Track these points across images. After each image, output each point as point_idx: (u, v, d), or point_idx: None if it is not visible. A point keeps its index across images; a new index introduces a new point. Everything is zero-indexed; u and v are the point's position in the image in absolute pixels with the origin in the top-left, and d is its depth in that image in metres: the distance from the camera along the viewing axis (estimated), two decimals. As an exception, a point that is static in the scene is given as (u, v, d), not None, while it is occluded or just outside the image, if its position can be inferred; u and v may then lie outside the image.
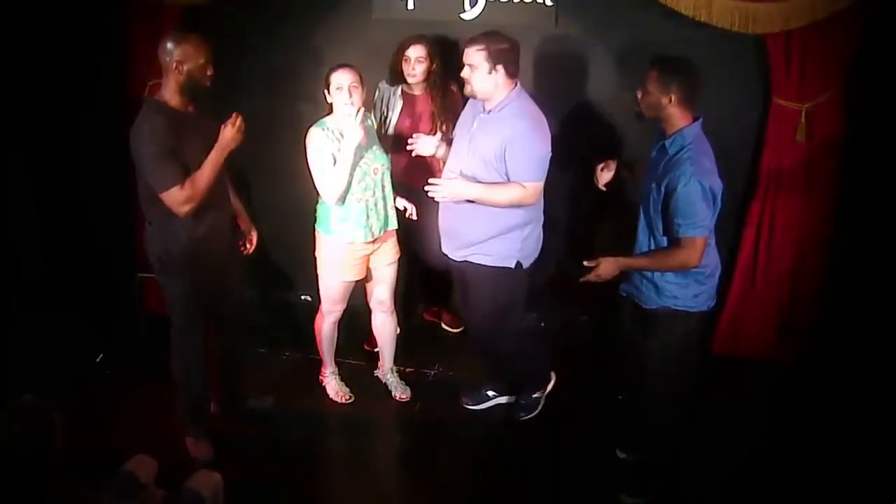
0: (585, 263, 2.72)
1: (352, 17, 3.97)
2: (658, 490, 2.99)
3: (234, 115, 2.84)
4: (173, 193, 2.75)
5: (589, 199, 3.95)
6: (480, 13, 3.82)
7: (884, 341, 3.38)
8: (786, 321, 3.78)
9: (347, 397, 3.61)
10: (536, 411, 3.45)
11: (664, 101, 2.62)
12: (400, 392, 3.64)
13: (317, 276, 3.40)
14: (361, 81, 3.11)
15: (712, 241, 2.71)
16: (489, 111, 2.95)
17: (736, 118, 3.62)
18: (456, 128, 3.19)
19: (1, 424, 1.95)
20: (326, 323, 3.48)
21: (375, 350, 3.85)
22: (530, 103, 2.97)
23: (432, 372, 3.83)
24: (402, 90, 3.66)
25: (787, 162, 3.58)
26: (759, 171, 3.64)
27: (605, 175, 3.07)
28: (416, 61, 3.54)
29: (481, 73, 2.87)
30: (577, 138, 3.97)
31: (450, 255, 3.16)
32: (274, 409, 3.52)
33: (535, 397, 3.46)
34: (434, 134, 3.57)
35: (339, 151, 3.07)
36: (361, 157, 3.15)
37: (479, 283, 3.12)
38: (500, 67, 2.85)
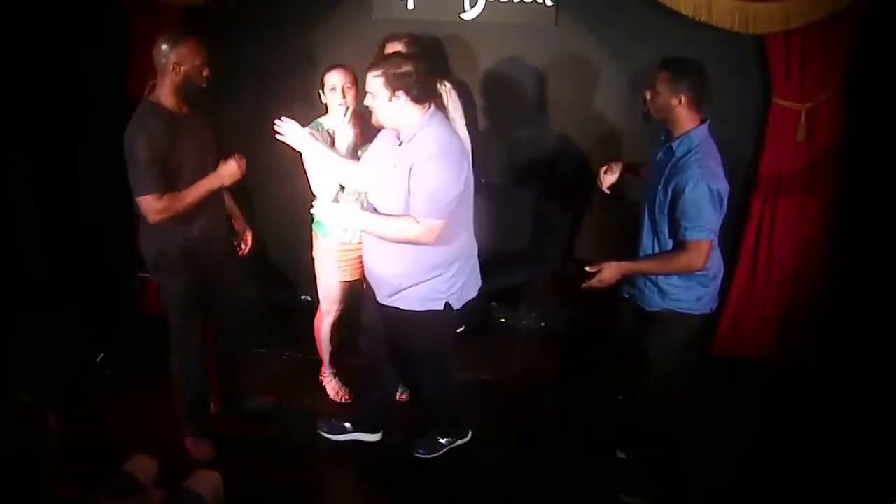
0: (588, 269, 2.70)
1: (351, 17, 3.97)
2: (658, 490, 2.99)
3: (238, 154, 2.87)
4: (148, 200, 2.75)
5: (590, 200, 3.97)
6: (480, 13, 3.82)
7: (884, 342, 3.38)
8: (786, 322, 3.78)
9: (347, 397, 3.61)
10: (435, 455, 3.26)
11: (674, 102, 2.61)
12: (399, 392, 3.64)
13: (315, 276, 3.40)
14: (355, 81, 3.09)
15: (715, 243, 2.71)
16: (401, 142, 2.71)
17: (736, 118, 3.62)
18: (373, 159, 2.89)
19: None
20: (325, 323, 3.48)
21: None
22: (444, 130, 2.71)
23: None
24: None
25: (787, 162, 3.58)
26: (759, 171, 3.64)
27: (608, 178, 3.04)
28: None
29: (381, 101, 2.63)
30: (577, 138, 3.98)
31: (379, 301, 2.91)
32: (274, 408, 3.51)
33: (441, 442, 3.27)
34: None
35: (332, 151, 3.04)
36: (356, 157, 3.14)
37: (407, 328, 2.90)
38: (400, 93, 2.60)
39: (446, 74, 3.76)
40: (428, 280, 2.79)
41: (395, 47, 3.45)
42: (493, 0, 3.79)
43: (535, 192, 4.15)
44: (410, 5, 3.86)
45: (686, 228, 2.58)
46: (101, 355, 3.83)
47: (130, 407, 3.49)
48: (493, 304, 4.30)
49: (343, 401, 3.60)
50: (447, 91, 3.68)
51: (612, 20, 3.72)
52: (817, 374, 3.60)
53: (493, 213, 4.16)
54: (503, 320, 4.24)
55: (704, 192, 2.53)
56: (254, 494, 2.90)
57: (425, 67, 2.65)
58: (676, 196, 2.57)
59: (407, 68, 2.61)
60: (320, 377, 3.67)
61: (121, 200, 3.98)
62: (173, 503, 2.35)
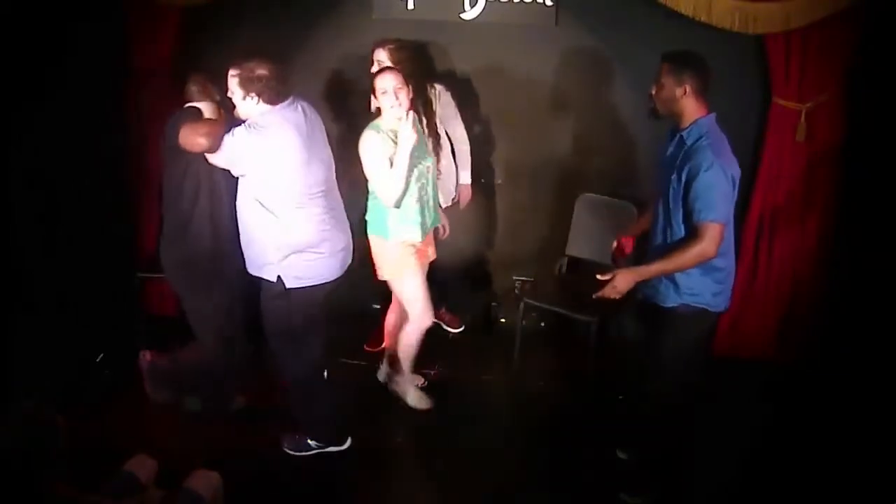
0: (600, 277, 2.69)
1: (352, 17, 3.97)
2: (658, 489, 2.99)
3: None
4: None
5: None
6: (480, 13, 3.82)
7: (883, 342, 3.38)
8: (786, 322, 3.78)
9: (428, 405, 3.52)
10: (303, 454, 3.22)
11: (678, 92, 2.62)
12: (421, 404, 3.56)
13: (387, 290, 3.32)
14: (405, 83, 3.06)
15: (731, 239, 2.72)
16: None
17: (736, 118, 3.61)
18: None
19: (4, 428, 1.95)
20: (419, 330, 3.36)
21: (375, 350, 3.86)
22: (283, 126, 2.80)
23: (432, 372, 3.82)
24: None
25: (787, 162, 3.58)
26: (759, 171, 3.64)
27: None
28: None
29: (237, 99, 2.81)
30: (576, 138, 3.99)
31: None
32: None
33: (309, 443, 3.22)
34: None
35: (396, 154, 3.00)
36: (418, 158, 3.11)
37: (261, 299, 3.01)
38: (253, 95, 2.76)
39: (434, 77, 3.75)
40: (258, 246, 2.90)
41: (380, 55, 3.45)
42: (493, 0, 3.79)
43: (535, 192, 4.15)
44: (410, 5, 3.86)
45: (700, 211, 2.56)
46: (101, 355, 3.83)
47: (130, 407, 3.49)
48: (494, 304, 4.30)
49: (428, 408, 3.52)
50: (436, 94, 3.68)
51: (612, 20, 3.72)
52: (817, 374, 3.60)
53: (494, 213, 4.17)
54: (503, 320, 4.24)
55: (719, 173, 2.54)
56: (254, 494, 2.90)
57: (281, 71, 2.77)
58: (690, 180, 2.57)
59: (260, 72, 2.72)
60: (392, 387, 3.57)
61: (121, 200, 4.00)
62: (173, 503, 2.35)
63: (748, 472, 3.11)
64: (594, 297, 2.72)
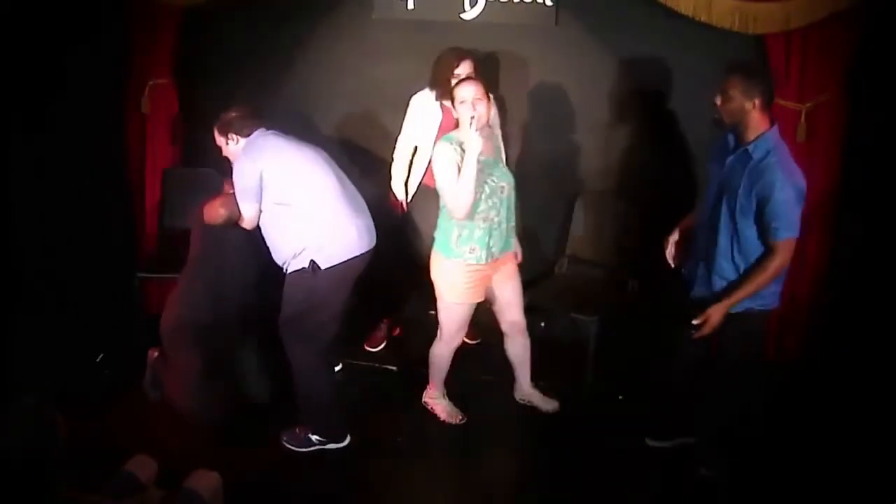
0: (695, 322, 2.73)
1: (352, 17, 3.97)
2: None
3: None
4: None
5: (588, 200, 3.96)
6: (480, 13, 3.82)
7: (884, 342, 3.38)
8: (786, 322, 3.78)
9: (460, 418, 3.43)
10: (302, 449, 3.23)
11: (747, 106, 2.63)
12: (547, 406, 3.51)
13: (433, 301, 3.26)
14: (485, 94, 3.01)
15: None
16: None
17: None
18: None
19: (3, 426, 1.95)
20: (447, 350, 3.33)
21: (376, 350, 3.86)
22: (248, 151, 3.13)
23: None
24: (440, 103, 3.53)
25: (787, 162, 3.58)
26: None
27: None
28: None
29: (223, 146, 3.22)
30: (576, 138, 3.99)
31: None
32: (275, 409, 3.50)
33: (311, 438, 3.23)
34: None
35: (463, 162, 2.94)
36: (490, 175, 3.05)
37: (285, 288, 3.12)
38: (232, 135, 3.16)
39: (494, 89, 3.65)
40: (282, 240, 3.10)
41: (465, 67, 3.38)
42: (493, 0, 3.79)
43: (534, 192, 4.14)
44: (410, 5, 3.87)
45: (777, 229, 2.61)
46: (101, 355, 3.83)
47: (130, 407, 3.49)
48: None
49: (457, 422, 3.43)
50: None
51: (612, 20, 3.73)
52: (817, 374, 3.60)
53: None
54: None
55: (791, 192, 2.58)
56: (254, 494, 2.90)
57: (248, 110, 3.18)
58: (764, 200, 2.60)
59: (232, 114, 3.16)
60: (424, 399, 3.51)
61: (121, 200, 4.01)
62: (173, 503, 2.35)
63: (748, 473, 3.11)
64: (695, 338, 2.76)
